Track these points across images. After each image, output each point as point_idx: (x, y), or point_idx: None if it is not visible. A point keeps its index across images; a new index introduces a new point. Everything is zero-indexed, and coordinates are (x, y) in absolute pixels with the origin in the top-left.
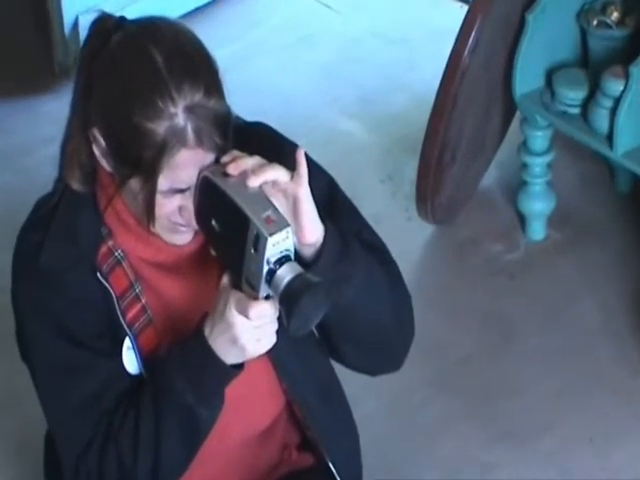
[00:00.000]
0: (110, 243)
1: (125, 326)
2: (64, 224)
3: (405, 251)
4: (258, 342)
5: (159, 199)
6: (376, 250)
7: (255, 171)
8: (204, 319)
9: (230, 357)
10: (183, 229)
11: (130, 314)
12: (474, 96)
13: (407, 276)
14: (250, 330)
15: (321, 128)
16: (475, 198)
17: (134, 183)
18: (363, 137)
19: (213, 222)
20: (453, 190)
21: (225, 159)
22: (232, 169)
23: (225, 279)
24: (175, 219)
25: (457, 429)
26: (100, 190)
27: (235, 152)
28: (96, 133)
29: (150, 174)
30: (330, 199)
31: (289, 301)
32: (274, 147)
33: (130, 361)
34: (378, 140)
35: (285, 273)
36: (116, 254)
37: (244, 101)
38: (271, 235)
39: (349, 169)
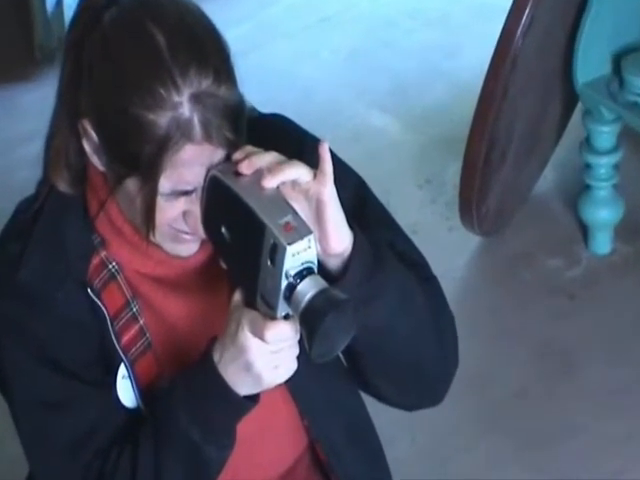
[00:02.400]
0: (103, 254)
1: (120, 351)
2: (48, 232)
3: (446, 267)
4: (276, 369)
5: (160, 203)
6: (413, 264)
7: (272, 169)
8: (213, 343)
9: (243, 387)
10: (188, 238)
11: (126, 337)
12: (528, 85)
13: (449, 296)
14: (266, 355)
15: (347, 124)
16: (528, 205)
17: (131, 184)
18: (397, 134)
19: (223, 229)
20: (503, 195)
21: (237, 156)
22: (245, 167)
23: (237, 296)
24: (179, 226)
25: (505, 477)
26: (91, 193)
27: (248, 147)
28: (87, 125)
29: (150, 174)
30: (359, 203)
31: (311, 321)
32: (293, 142)
33: (126, 392)
34: (414, 138)
35: (307, 288)
36: (110, 267)
37: (256, 92)
38: (290, 244)
39: (380, 172)
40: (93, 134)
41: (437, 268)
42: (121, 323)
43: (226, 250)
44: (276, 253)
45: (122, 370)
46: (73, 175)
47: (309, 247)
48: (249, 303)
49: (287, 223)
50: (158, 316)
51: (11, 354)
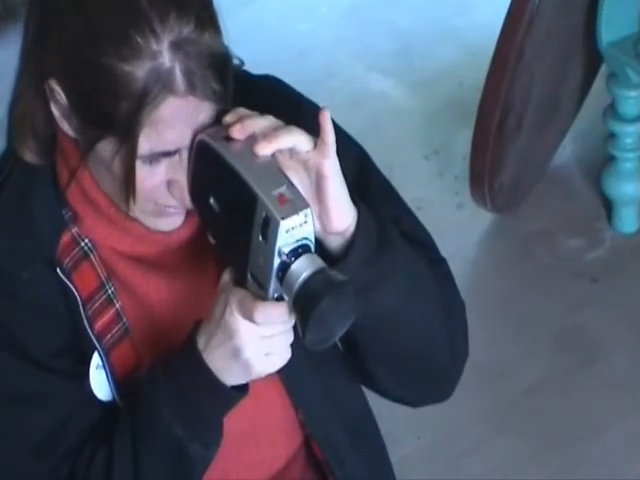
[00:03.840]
0: (74, 230)
1: (93, 338)
2: (14, 207)
3: (455, 248)
4: (267, 357)
5: (140, 170)
6: (420, 244)
7: (267, 135)
8: (197, 327)
9: (230, 376)
10: (172, 210)
11: (99, 323)
12: (546, 45)
13: (458, 280)
14: (257, 340)
15: (346, 88)
16: (546, 179)
17: (106, 148)
18: (401, 100)
19: (211, 200)
20: (518, 168)
21: (228, 119)
22: (237, 131)
23: (226, 275)
24: (162, 200)
25: (520, 478)
26: (61, 162)
27: (241, 110)
28: (54, 86)
29: (127, 134)
30: (361, 177)
31: (306, 304)
32: (289, 107)
33: (100, 384)
34: (420, 104)
35: (302, 268)
36: (82, 244)
37: (245, 51)
38: (284, 218)
39: (382, 142)
40: (62, 95)
41: (445, 249)
42: (94, 307)
43: (215, 223)
44: (268, 228)
45: (96, 359)
46: (41, 144)
47: (305, 222)
48: (239, 283)
49: (281, 195)
50: (136, 299)
51: None
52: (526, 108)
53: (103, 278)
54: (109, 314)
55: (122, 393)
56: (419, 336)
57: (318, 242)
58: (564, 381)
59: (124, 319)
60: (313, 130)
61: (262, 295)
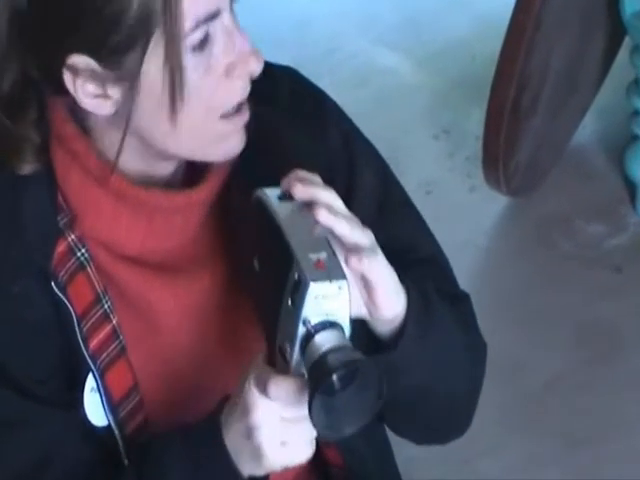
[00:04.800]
0: (71, 238)
1: (88, 358)
2: (1, 213)
3: (467, 234)
4: (283, 447)
5: (194, 72)
6: (442, 276)
7: (329, 206)
8: (223, 401)
9: (244, 462)
10: (238, 120)
11: (95, 341)
12: (565, 15)
13: (470, 269)
14: (274, 422)
15: (350, 63)
16: (565, 159)
17: (150, 72)
18: (408, 76)
19: (255, 260)
20: (535, 148)
21: (287, 180)
22: (296, 189)
23: (259, 356)
24: (228, 95)
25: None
26: (59, 151)
27: (303, 172)
28: (75, 60)
29: (168, 12)
30: (381, 195)
31: (315, 377)
32: (313, 104)
33: (94, 408)
34: (429, 80)
35: (324, 341)
36: (79, 254)
37: (243, 24)
38: (314, 281)
39: (389, 120)
40: (86, 58)
41: (456, 236)
42: (89, 324)
43: (254, 285)
44: (298, 290)
45: (90, 381)
46: (35, 148)
47: (338, 295)
48: (268, 356)
49: (319, 260)
50: (135, 310)
51: None
52: (543, 83)
53: (99, 291)
54: (105, 331)
55: (117, 417)
56: (445, 396)
57: (363, 324)
58: (583, 377)
59: (120, 336)
60: (336, 132)
61: (285, 369)
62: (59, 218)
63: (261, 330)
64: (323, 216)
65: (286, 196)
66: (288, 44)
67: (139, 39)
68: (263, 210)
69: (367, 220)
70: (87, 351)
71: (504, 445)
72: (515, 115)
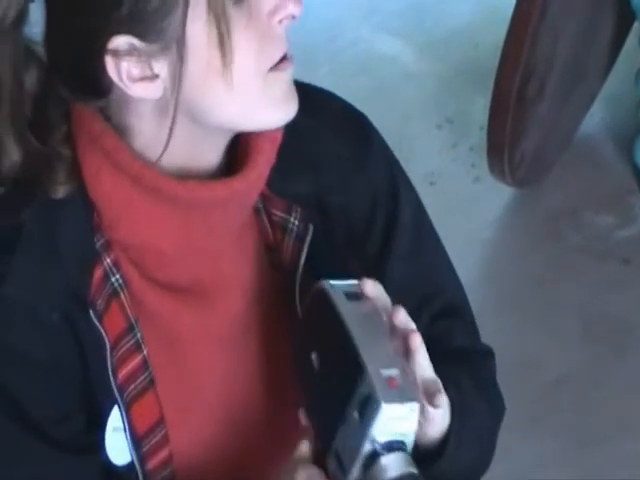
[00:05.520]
0: (107, 262)
1: (115, 390)
2: (40, 238)
3: (472, 226)
4: None
5: (237, 24)
6: (465, 326)
7: (405, 321)
8: None
9: None
10: (287, 70)
11: (123, 372)
12: (571, 3)
13: (474, 264)
14: None
15: (350, 51)
16: (572, 149)
17: (195, 39)
18: (411, 63)
19: (313, 355)
20: (541, 137)
21: (366, 286)
22: (368, 287)
23: (304, 446)
24: (277, 46)
25: (548, 479)
26: (89, 154)
27: (371, 282)
28: (118, 42)
29: None
30: (415, 229)
31: None
32: (359, 135)
33: (116, 446)
34: (432, 67)
35: (392, 465)
36: (113, 280)
37: None
38: (388, 403)
39: (391, 110)
40: (129, 38)
41: (460, 228)
42: (119, 354)
43: (310, 380)
44: (367, 408)
45: (114, 417)
46: (66, 167)
47: (409, 419)
48: (318, 455)
49: (391, 378)
50: (164, 340)
51: None
52: (550, 71)
53: (132, 319)
54: (134, 362)
55: (140, 453)
56: (469, 469)
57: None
58: (594, 373)
59: (150, 368)
60: (380, 158)
61: (339, 477)
62: (95, 239)
63: (311, 424)
64: (396, 317)
65: (356, 295)
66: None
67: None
68: (329, 306)
69: (404, 256)
70: (115, 383)
71: (515, 444)
72: (521, 103)
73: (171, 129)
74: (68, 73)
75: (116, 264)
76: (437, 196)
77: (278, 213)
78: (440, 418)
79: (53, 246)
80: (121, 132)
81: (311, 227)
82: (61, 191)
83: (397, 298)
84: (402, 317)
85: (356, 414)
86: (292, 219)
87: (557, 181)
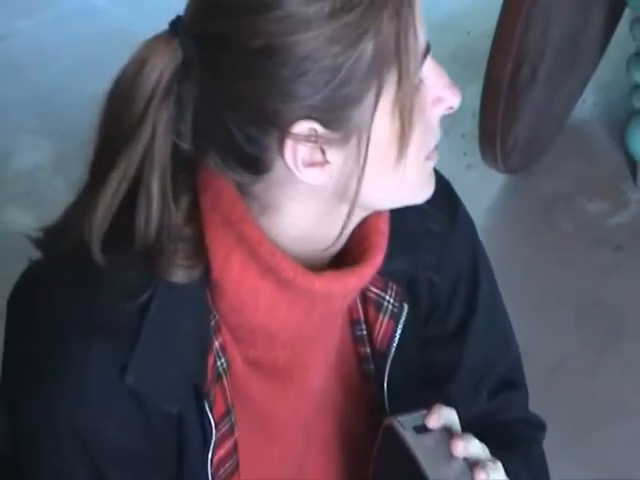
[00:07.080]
0: (216, 344)
1: (210, 476)
2: (163, 329)
3: None
4: None
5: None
6: (522, 402)
7: (464, 437)
8: None
9: None
10: (435, 160)
11: (217, 456)
12: None
13: None
14: None
15: None
16: (565, 135)
17: (381, 117)
18: None
19: None
20: (533, 124)
21: (430, 418)
22: (432, 420)
23: None
24: (436, 130)
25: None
26: (220, 239)
27: (440, 406)
28: (304, 126)
29: (407, 56)
30: (491, 305)
31: None
32: (448, 205)
33: None
34: None
35: None
36: (219, 364)
37: None
38: None
39: None
40: (314, 123)
41: None
42: (216, 438)
43: None
44: None
45: None
46: (190, 250)
47: None
48: None
49: None
50: (257, 422)
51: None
52: (542, 57)
53: (229, 403)
54: (227, 446)
55: None
56: None
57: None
58: (589, 359)
59: (238, 452)
60: (464, 235)
61: None
62: (211, 317)
63: None
64: (457, 447)
65: (425, 428)
66: None
67: (372, 85)
68: (399, 443)
69: (483, 328)
70: (211, 470)
71: None
72: (513, 89)
73: (349, 216)
74: (227, 146)
75: (222, 346)
76: None
77: (375, 290)
78: None
79: (174, 332)
80: (260, 211)
81: (406, 307)
82: (179, 275)
83: (475, 370)
84: (470, 449)
85: None
86: (387, 297)
87: (549, 168)
